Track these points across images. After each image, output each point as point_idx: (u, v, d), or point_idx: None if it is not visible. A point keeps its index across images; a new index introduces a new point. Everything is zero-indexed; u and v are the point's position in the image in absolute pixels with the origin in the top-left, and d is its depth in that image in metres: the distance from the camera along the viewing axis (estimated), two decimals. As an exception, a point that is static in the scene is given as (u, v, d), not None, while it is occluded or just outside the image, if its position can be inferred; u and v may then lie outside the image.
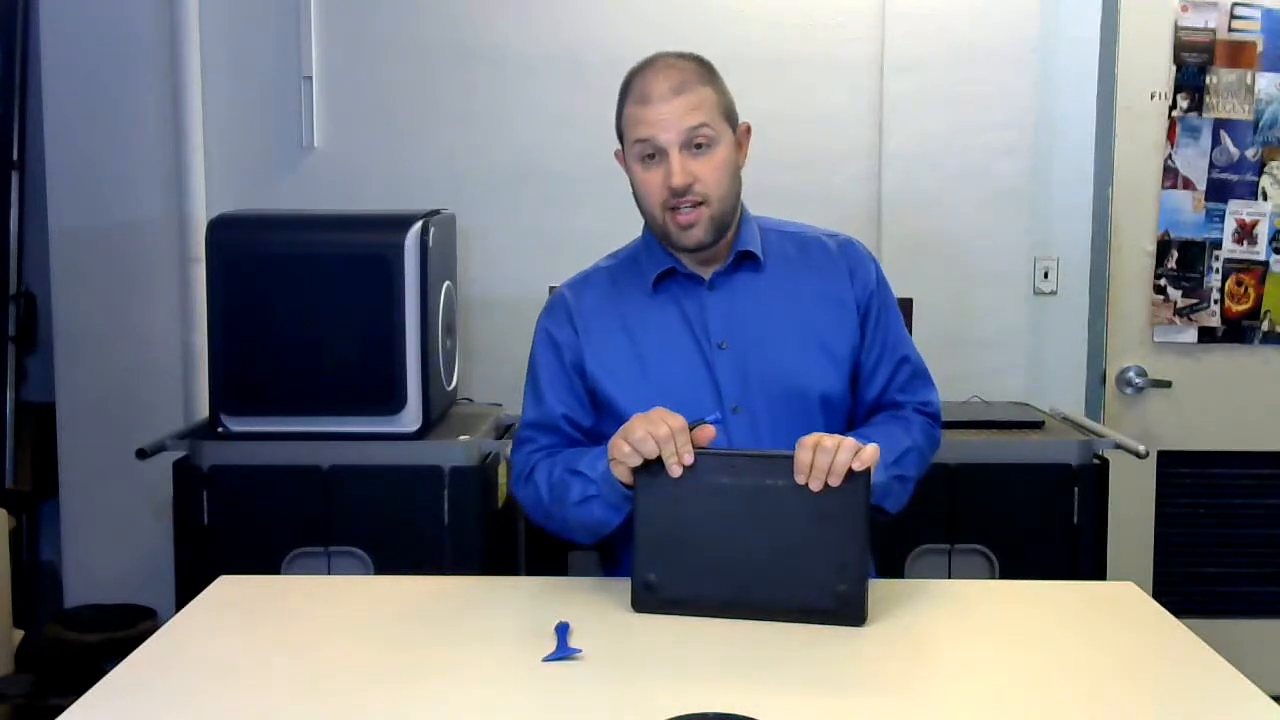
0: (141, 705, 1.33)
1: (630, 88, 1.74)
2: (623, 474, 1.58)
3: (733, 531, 1.55)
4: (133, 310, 3.11)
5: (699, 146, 1.69)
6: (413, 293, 2.48)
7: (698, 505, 1.56)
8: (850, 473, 1.51)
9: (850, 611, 1.54)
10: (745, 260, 1.79)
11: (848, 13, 3.05)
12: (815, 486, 1.51)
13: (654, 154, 1.70)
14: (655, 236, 1.79)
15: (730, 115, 1.75)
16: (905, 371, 1.83)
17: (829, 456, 1.50)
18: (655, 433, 1.53)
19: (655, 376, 1.76)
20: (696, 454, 1.56)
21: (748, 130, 1.79)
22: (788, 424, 1.71)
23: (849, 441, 1.52)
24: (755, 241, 1.79)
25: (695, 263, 1.78)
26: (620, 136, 1.77)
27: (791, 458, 1.53)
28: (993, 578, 2.50)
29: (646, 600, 1.58)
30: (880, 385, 1.82)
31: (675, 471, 1.54)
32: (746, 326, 1.76)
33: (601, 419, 1.80)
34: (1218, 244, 3.15)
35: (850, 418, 1.84)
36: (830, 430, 1.66)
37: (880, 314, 1.81)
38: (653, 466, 1.57)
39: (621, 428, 1.57)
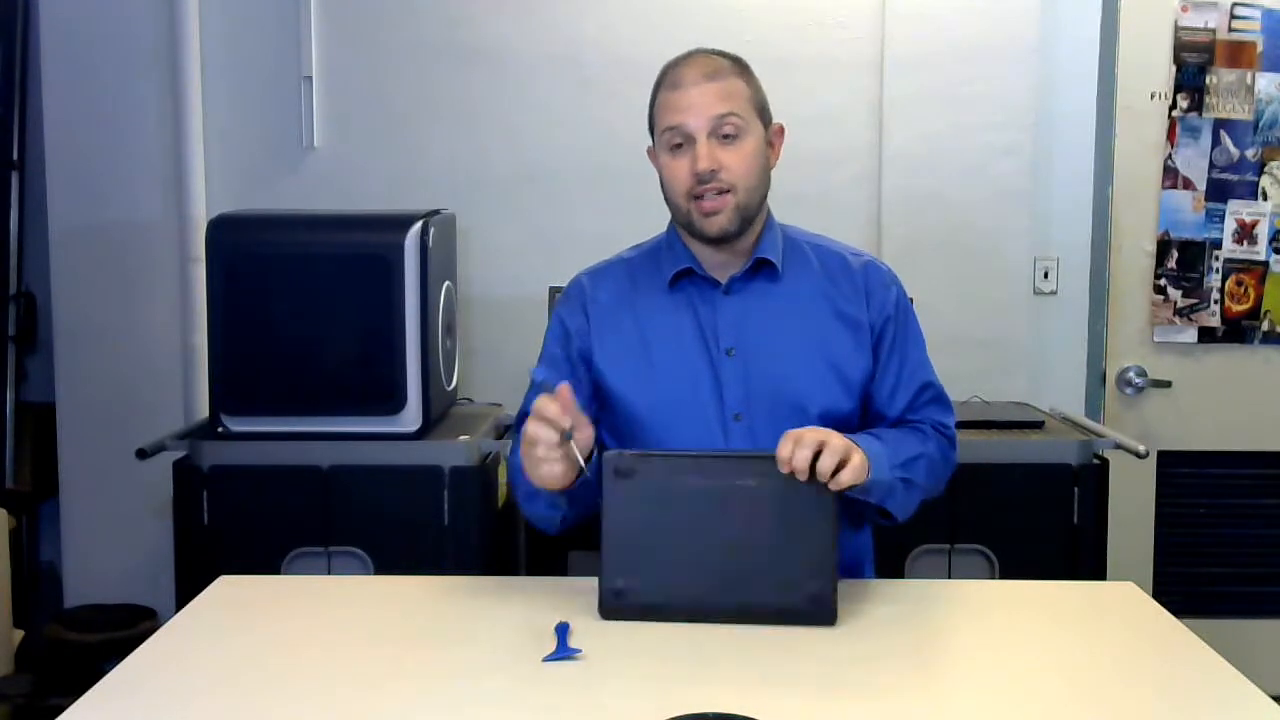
0: (141, 705, 1.33)
1: (664, 77, 1.73)
2: (549, 483, 1.58)
3: (701, 534, 1.55)
4: (133, 310, 3.11)
5: (727, 136, 1.68)
6: (413, 293, 2.48)
7: (666, 508, 1.56)
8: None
9: (821, 611, 1.52)
10: (763, 268, 1.77)
11: (848, 13, 3.05)
12: (801, 477, 1.51)
13: (682, 143, 1.69)
14: (679, 228, 1.78)
15: (763, 111, 1.74)
16: (927, 395, 1.81)
17: (808, 451, 1.50)
18: (538, 436, 1.54)
19: (660, 377, 1.75)
20: (667, 456, 1.56)
21: (780, 131, 1.78)
22: None
23: (834, 443, 1.51)
24: (776, 250, 1.78)
25: (713, 265, 1.77)
26: (652, 129, 1.76)
27: (760, 457, 1.54)
28: (993, 578, 2.50)
29: (615, 607, 1.56)
30: (900, 408, 1.79)
31: (565, 425, 1.54)
32: (756, 335, 1.75)
33: (605, 410, 1.80)
34: (1218, 244, 3.15)
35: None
36: None
37: (896, 339, 1.79)
38: (621, 471, 1.56)
39: (524, 453, 1.58)
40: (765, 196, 1.76)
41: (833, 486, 1.52)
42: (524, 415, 1.83)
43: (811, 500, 1.53)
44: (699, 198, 1.69)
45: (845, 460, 1.52)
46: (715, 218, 1.69)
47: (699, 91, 1.68)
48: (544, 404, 1.55)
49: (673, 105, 1.69)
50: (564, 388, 1.55)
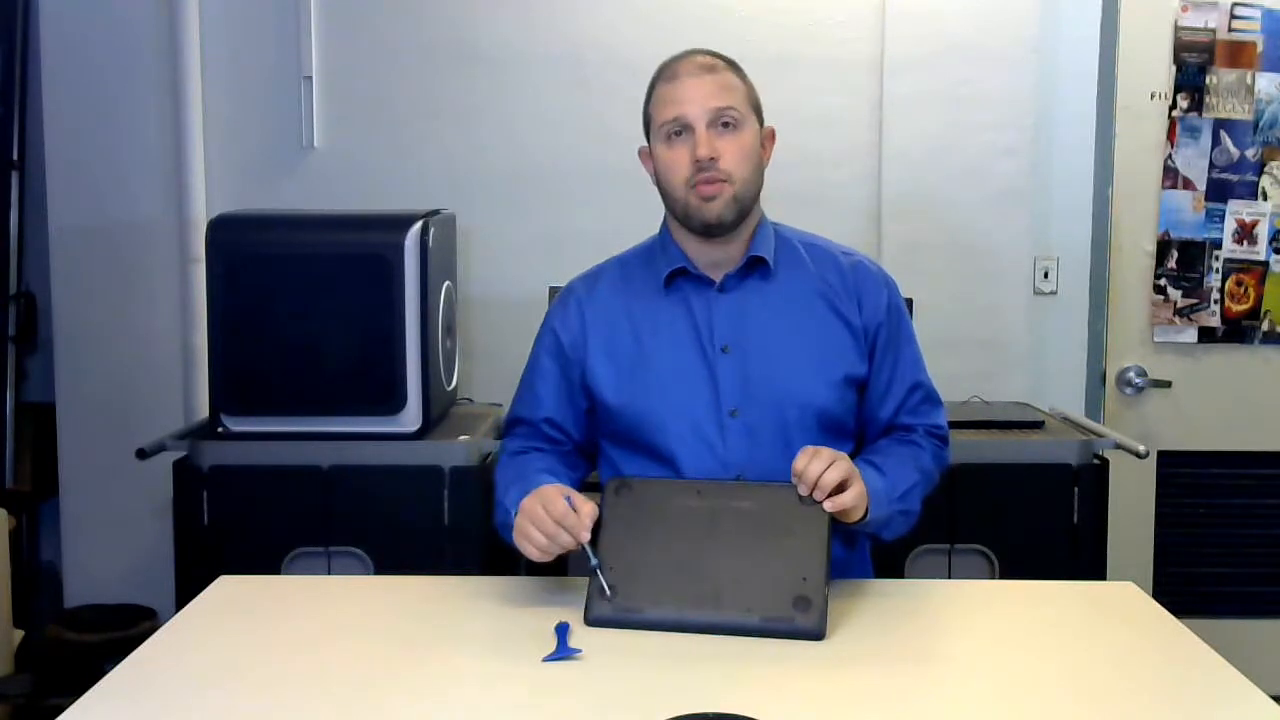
0: (141, 705, 1.33)
1: (661, 72, 1.76)
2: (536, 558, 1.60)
3: (694, 550, 1.57)
4: (133, 310, 3.11)
5: (726, 125, 1.70)
6: (413, 293, 2.48)
7: (662, 525, 1.59)
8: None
9: (810, 627, 1.51)
10: (757, 266, 1.78)
11: (848, 13, 3.05)
12: (818, 496, 1.56)
13: (680, 131, 1.70)
14: (673, 224, 1.78)
15: (758, 110, 1.77)
16: (917, 396, 1.83)
17: (822, 463, 1.56)
18: (544, 530, 1.55)
19: (656, 375, 1.76)
20: (666, 481, 1.61)
21: (772, 135, 1.79)
22: (784, 432, 1.72)
23: (844, 463, 1.58)
24: (769, 248, 1.78)
25: (707, 265, 1.78)
26: (647, 126, 1.77)
27: (759, 485, 1.62)
28: (993, 578, 2.50)
29: (601, 612, 1.55)
30: (892, 409, 1.81)
31: (582, 538, 1.55)
32: (751, 332, 1.76)
33: (601, 414, 1.80)
34: (1218, 244, 3.15)
35: (858, 436, 1.84)
36: (827, 442, 1.69)
37: (890, 342, 1.80)
38: (620, 489, 1.63)
39: (518, 523, 1.59)
40: (759, 192, 1.77)
41: (829, 506, 1.56)
42: (512, 421, 1.86)
43: (804, 520, 1.56)
44: (696, 185, 1.69)
45: (848, 481, 1.58)
46: (712, 203, 1.70)
47: (697, 84, 1.70)
48: (568, 516, 1.55)
49: (671, 97, 1.71)
50: (588, 507, 1.57)
